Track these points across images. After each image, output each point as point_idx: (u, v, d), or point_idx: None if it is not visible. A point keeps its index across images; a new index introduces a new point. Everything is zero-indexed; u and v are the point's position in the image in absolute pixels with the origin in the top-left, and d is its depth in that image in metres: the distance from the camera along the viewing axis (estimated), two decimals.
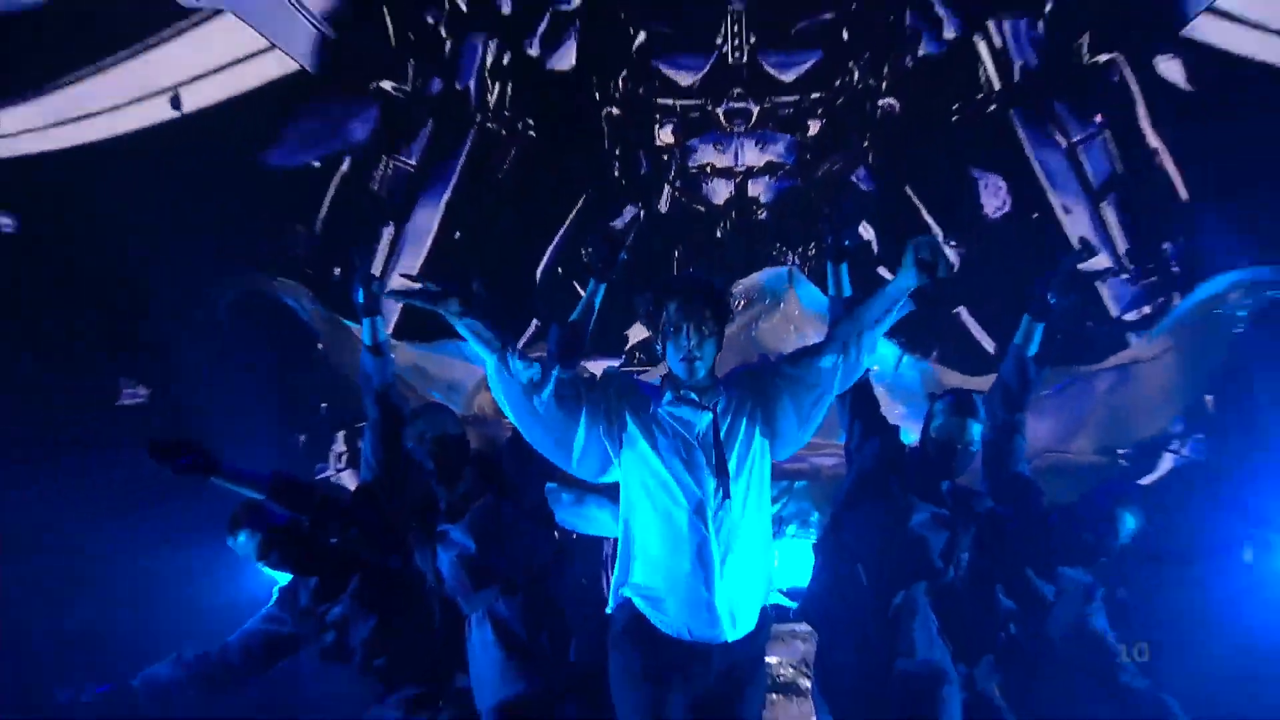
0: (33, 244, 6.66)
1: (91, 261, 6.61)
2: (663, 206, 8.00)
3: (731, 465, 3.28)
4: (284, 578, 4.72)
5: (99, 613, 6.19)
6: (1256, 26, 6.67)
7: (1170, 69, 7.02)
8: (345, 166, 7.49)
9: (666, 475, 3.28)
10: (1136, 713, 4.26)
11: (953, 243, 7.67)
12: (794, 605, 4.48)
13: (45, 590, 6.14)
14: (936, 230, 7.73)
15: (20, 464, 6.11)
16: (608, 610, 3.42)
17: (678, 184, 7.92)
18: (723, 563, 3.26)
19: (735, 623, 3.29)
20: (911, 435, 4.23)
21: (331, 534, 4.45)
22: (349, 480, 7.08)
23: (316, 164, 7.40)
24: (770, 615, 3.48)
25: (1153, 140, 7.19)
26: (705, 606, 3.26)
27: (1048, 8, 7.29)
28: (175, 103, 6.77)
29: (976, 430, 3.94)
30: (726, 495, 3.25)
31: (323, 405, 7.21)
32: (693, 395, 3.31)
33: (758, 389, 3.37)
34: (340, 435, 7.19)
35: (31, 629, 6.09)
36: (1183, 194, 7.15)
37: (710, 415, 3.30)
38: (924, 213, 7.76)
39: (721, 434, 3.29)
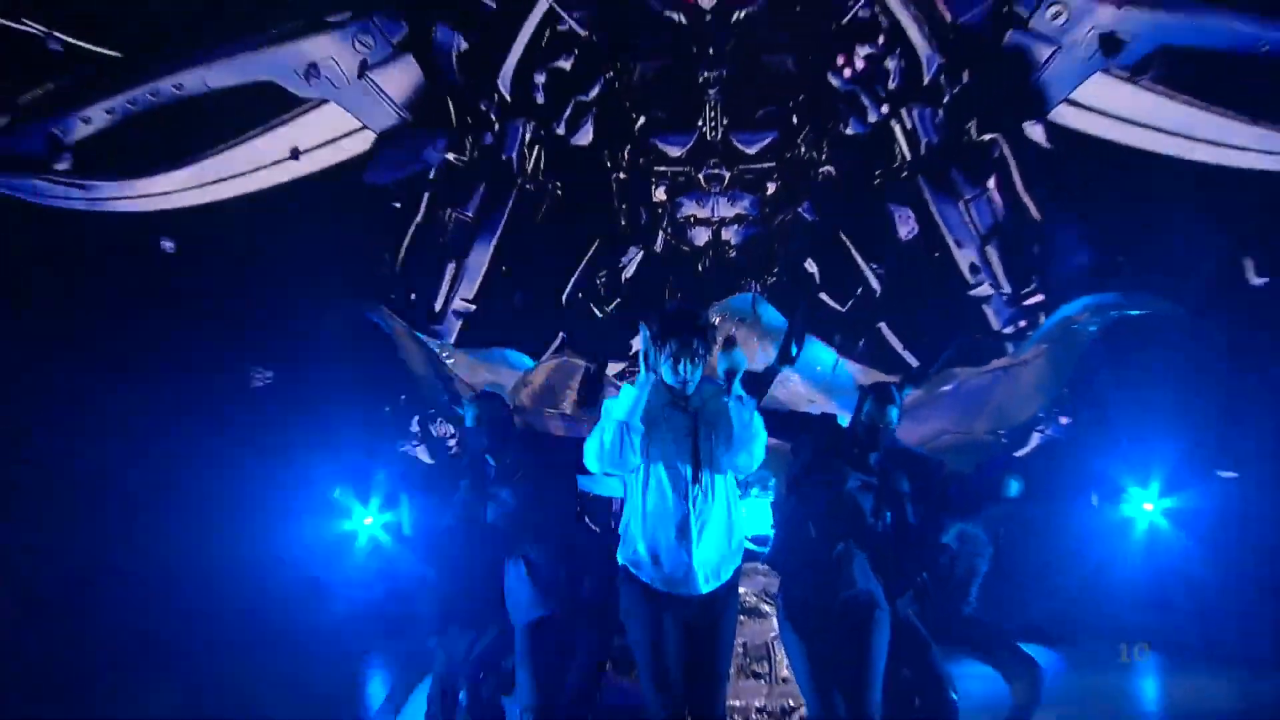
0: (187, 260, 6.66)
1: (231, 277, 6.64)
2: (658, 248, 7.92)
3: (704, 456, 3.27)
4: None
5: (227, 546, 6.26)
6: (1103, 114, 6.56)
7: (1038, 140, 6.91)
8: (420, 216, 7.40)
9: (660, 465, 3.26)
10: (971, 631, 4.43)
11: (874, 266, 7.63)
12: (759, 549, 4.37)
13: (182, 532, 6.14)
14: (862, 263, 7.67)
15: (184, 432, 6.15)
16: (619, 561, 3.40)
17: (669, 231, 7.84)
18: (699, 533, 3.23)
19: (709, 580, 3.28)
20: (845, 420, 4.09)
21: None
22: (423, 454, 6.95)
23: (397, 205, 7.32)
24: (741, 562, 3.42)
25: (1025, 198, 7.10)
26: (686, 567, 3.24)
27: (945, 100, 7.15)
28: (295, 154, 6.65)
29: (894, 413, 3.86)
30: (699, 481, 3.24)
31: (402, 396, 7.09)
32: (681, 403, 3.30)
33: (716, 411, 3.31)
34: (415, 419, 7.04)
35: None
36: (1047, 237, 7.05)
37: (692, 420, 3.28)
38: (854, 252, 7.70)
39: (698, 433, 3.28)
